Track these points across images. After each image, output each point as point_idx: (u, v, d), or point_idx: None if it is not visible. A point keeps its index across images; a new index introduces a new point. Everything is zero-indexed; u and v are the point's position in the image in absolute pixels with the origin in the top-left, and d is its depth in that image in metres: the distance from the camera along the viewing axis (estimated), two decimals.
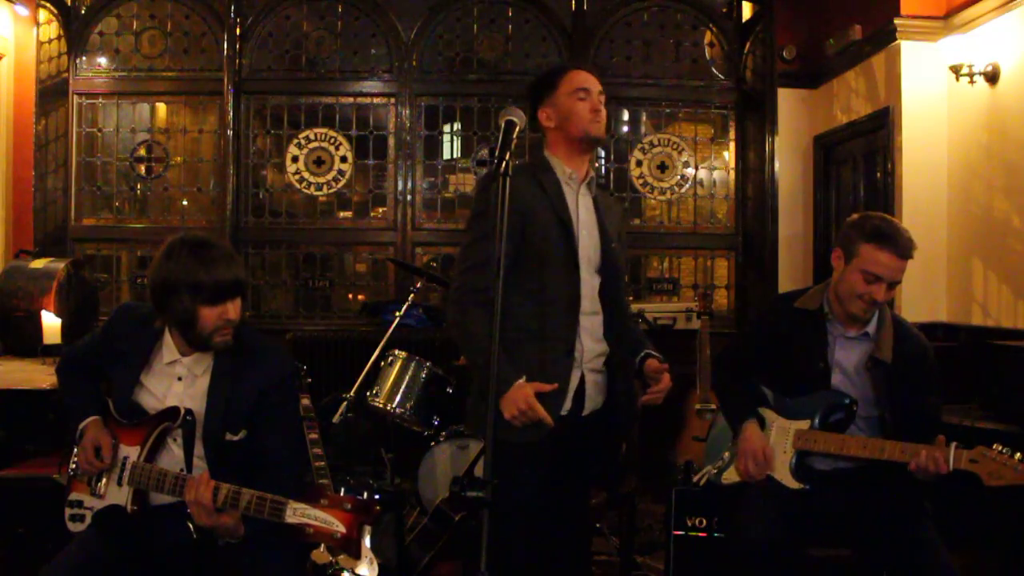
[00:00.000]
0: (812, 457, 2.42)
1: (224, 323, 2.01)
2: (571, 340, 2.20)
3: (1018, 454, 2.05)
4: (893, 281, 2.33)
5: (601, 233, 2.31)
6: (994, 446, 2.08)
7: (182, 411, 2.03)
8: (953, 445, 2.13)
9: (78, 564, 1.94)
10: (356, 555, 1.81)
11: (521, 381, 2.07)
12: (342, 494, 1.84)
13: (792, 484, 2.39)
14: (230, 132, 5.15)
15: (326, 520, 1.74)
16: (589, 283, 2.26)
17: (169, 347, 2.09)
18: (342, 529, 1.72)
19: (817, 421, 2.39)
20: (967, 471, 2.10)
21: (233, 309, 2.02)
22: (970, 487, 2.08)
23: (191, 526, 1.95)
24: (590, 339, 2.25)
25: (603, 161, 5.48)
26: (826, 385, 2.41)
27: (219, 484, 1.88)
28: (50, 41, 5.06)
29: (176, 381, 2.09)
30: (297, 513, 1.76)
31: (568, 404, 2.19)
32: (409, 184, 5.26)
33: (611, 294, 2.31)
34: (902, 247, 2.30)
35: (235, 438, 2.06)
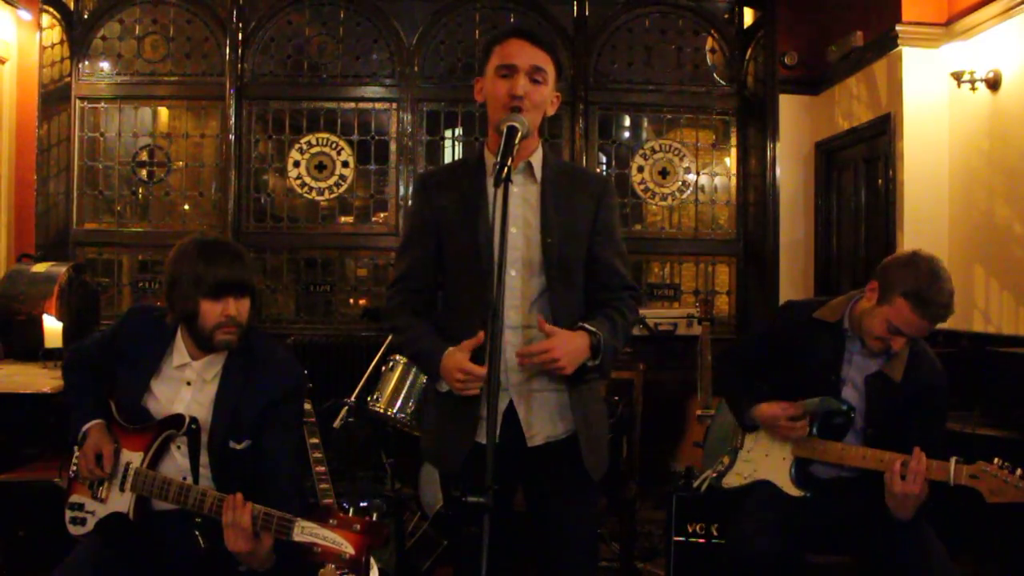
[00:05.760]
0: (813, 464, 2.42)
1: (226, 320, 2.00)
2: (479, 359, 1.80)
3: (1019, 470, 2.01)
4: (915, 337, 2.29)
5: (543, 227, 1.91)
6: (995, 461, 2.04)
7: (187, 419, 2.02)
8: (953, 460, 2.10)
9: (86, 571, 1.93)
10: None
11: (451, 349, 1.85)
12: (347, 509, 1.83)
13: (792, 491, 2.39)
14: (232, 137, 5.16)
15: (335, 540, 1.72)
16: (520, 289, 1.89)
17: (180, 350, 2.09)
18: (351, 550, 1.71)
19: (815, 428, 2.38)
20: (968, 487, 2.07)
21: (235, 306, 2.01)
22: (972, 500, 2.06)
23: (198, 535, 1.94)
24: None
25: (604, 166, 5.49)
26: (834, 396, 2.38)
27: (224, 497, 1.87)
28: (53, 46, 5.07)
29: (185, 386, 2.08)
30: (305, 531, 1.74)
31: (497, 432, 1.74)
32: (410, 189, 5.26)
33: (562, 298, 1.91)
34: (934, 315, 2.21)
35: (239, 447, 2.04)
